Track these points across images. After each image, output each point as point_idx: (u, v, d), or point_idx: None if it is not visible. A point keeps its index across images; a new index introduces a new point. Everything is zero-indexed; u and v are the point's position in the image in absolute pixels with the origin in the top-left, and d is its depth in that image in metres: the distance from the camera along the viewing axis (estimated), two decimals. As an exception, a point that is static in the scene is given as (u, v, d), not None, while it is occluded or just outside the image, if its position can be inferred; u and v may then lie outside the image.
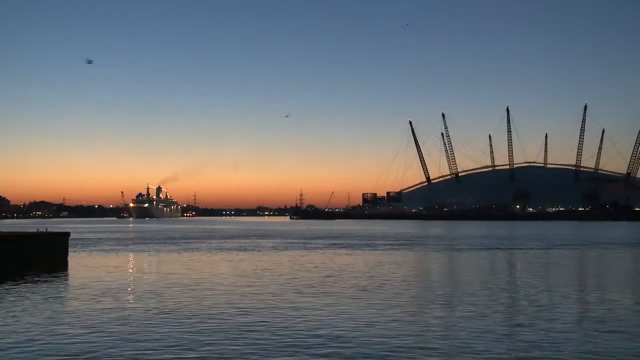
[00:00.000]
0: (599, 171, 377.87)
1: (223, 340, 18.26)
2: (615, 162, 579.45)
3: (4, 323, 20.94)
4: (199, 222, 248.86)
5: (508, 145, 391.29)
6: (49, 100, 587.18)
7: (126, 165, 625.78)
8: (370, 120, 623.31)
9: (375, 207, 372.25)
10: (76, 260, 48.41)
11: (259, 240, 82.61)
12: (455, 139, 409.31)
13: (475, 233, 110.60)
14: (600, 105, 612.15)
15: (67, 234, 51.98)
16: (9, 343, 17.87)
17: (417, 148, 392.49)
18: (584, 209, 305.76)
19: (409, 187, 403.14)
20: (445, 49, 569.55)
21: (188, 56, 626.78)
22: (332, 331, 19.52)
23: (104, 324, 20.73)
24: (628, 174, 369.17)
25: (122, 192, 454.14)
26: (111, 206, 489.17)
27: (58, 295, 28.16)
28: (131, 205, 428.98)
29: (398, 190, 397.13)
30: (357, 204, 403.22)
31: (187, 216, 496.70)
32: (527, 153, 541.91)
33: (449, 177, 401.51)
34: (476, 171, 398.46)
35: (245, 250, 61.99)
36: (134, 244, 75.39)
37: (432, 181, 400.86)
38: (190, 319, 21.68)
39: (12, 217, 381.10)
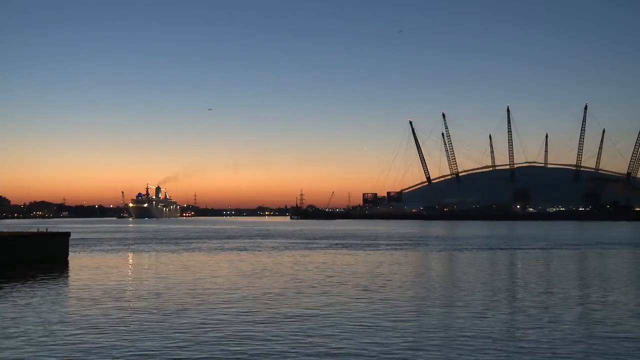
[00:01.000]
0: (599, 171, 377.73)
1: (224, 340, 18.24)
2: (616, 162, 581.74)
3: (4, 323, 20.92)
4: (199, 222, 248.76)
5: (508, 145, 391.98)
6: (49, 100, 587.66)
7: (126, 165, 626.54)
8: (370, 120, 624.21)
9: (375, 207, 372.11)
10: (76, 260, 48.40)
11: (261, 240, 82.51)
12: (455, 139, 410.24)
13: (477, 233, 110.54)
14: (600, 105, 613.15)
15: (68, 234, 51.97)
16: (9, 343, 17.85)
17: (417, 148, 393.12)
18: (584, 209, 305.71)
19: (409, 187, 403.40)
20: (445, 49, 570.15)
21: (188, 56, 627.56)
22: (333, 332, 19.49)
23: (104, 324, 20.71)
24: (628, 174, 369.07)
25: (122, 192, 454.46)
26: (111, 206, 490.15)
27: (58, 295, 28.14)
28: (131, 205, 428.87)
29: (398, 190, 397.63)
30: (357, 204, 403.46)
31: (186, 216, 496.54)
32: (527, 153, 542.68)
33: (449, 177, 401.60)
34: (476, 171, 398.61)
35: (248, 250, 61.91)
36: (135, 244, 75.35)
37: (432, 181, 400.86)
38: (191, 319, 21.66)
39: (13, 217, 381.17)
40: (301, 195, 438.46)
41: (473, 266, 43.35)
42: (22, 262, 42.27)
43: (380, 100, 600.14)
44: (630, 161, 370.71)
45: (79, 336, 18.76)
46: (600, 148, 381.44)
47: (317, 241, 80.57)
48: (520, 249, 63.65)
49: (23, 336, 18.79)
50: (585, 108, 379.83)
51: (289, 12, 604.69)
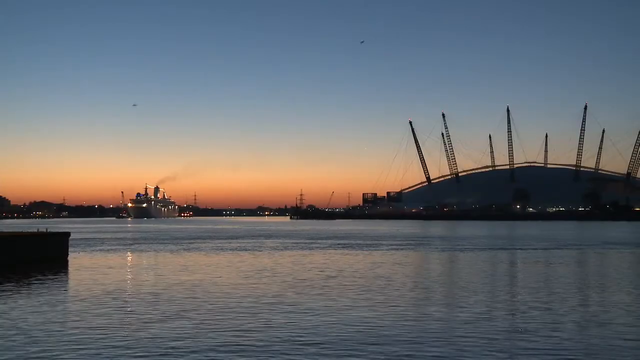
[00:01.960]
0: (599, 171, 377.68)
1: (224, 341, 18.20)
2: (616, 162, 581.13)
3: (4, 323, 20.88)
4: (198, 222, 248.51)
5: (508, 145, 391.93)
6: (48, 100, 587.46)
7: (126, 165, 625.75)
8: (370, 120, 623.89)
9: (375, 207, 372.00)
10: (76, 260, 48.37)
11: (264, 241, 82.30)
12: (455, 139, 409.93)
13: (478, 233, 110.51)
14: (600, 105, 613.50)
15: (67, 234, 51.92)
16: (9, 343, 17.80)
17: (417, 148, 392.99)
18: (584, 209, 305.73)
19: (409, 187, 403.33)
20: (445, 49, 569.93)
21: (188, 56, 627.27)
22: (334, 332, 19.46)
23: (104, 324, 20.66)
24: (628, 174, 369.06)
25: (122, 192, 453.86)
26: (111, 206, 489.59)
27: (58, 295, 28.09)
28: (129, 205, 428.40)
29: (398, 190, 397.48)
30: (357, 204, 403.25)
31: (184, 216, 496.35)
32: (527, 153, 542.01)
33: (449, 177, 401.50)
34: (476, 171, 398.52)
35: (252, 250, 61.87)
36: (135, 244, 75.32)
37: (432, 181, 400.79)
38: (191, 320, 21.61)
39: (12, 217, 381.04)
40: (301, 195, 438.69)
41: (476, 266, 43.31)
42: (22, 262, 42.23)
43: (380, 100, 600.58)
44: (630, 161, 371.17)
45: (78, 336, 18.71)
46: (600, 148, 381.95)
47: (319, 241, 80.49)
48: (523, 249, 63.56)
49: (22, 336, 18.74)
50: (585, 108, 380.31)
51: (289, 12, 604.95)
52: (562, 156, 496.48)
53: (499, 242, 77.89)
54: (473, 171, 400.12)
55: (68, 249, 50.68)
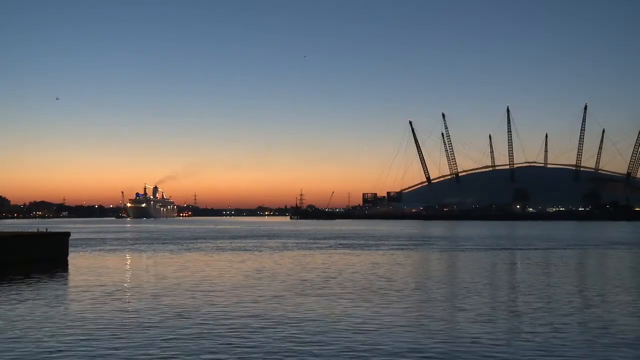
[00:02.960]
0: (599, 171, 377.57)
1: (225, 341, 18.14)
2: (615, 162, 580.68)
3: (4, 323, 20.83)
4: (198, 222, 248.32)
5: (508, 145, 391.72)
6: (48, 100, 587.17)
7: (126, 165, 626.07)
8: (370, 120, 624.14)
9: (375, 207, 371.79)
10: (76, 260, 48.32)
11: (267, 241, 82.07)
12: (455, 139, 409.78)
13: (478, 233, 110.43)
14: (600, 105, 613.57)
15: (67, 234, 51.87)
16: (8, 344, 17.75)
17: (417, 148, 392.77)
18: (584, 209, 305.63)
19: (409, 187, 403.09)
20: (445, 49, 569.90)
21: (188, 56, 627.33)
22: (337, 332, 19.42)
23: (104, 325, 20.60)
24: (628, 174, 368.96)
25: (122, 192, 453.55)
26: (111, 206, 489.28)
27: (58, 295, 28.04)
28: (129, 205, 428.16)
29: (398, 190, 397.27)
30: (357, 204, 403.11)
31: (183, 216, 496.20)
32: (527, 153, 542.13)
33: (449, 177, 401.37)
34: (476, 171, 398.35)
35: (253, 250, 61.83)
36: (136, 244, 75.27)
37: (432, 181, 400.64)
38: (191, 321, 21.55)
39: (12, 217, 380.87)
40: (301, 195, 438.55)
41: (478, 266, 43.25)
42: (22, 262, 42.18)
43: (380, 100, 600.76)
44: (630, 161, 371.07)
45: (78, 337, 18.65)
46: (600, 148, 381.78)
47: (323, 241, 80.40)
48: (526, 249, 63.48)
49: (22, 337, 18.68)
50: (585, 108, 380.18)
51: (289, 12, 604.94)
52: (562, 156, 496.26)
53: (503, 242, 77.75)
54: (473, 171, 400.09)
55: (68, 249, 50.63)
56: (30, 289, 29.85)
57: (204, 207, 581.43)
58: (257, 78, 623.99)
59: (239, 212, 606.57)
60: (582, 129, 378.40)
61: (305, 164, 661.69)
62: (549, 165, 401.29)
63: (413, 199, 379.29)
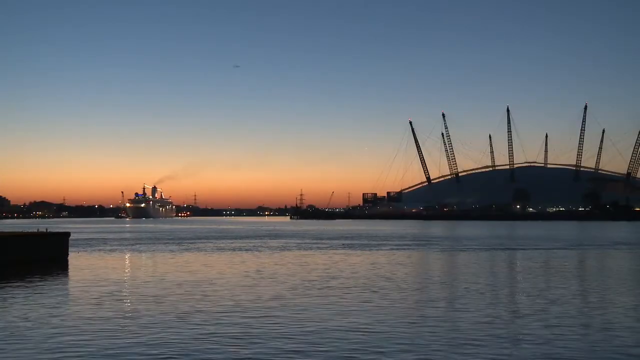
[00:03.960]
0: (599, 171, 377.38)
1: (225, 342, 18.07)
2: (615, 162, 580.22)
3: (3, 324, 20.75)
4: (198, 222, 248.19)
5: (508, 145, 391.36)
6: (48, 100, 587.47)
7: (126, 165, 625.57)
8: (370, 120, 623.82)
9: (375, 207, 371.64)
10: (76, 260, 48.25)
11: (270, 241, 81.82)
12: (455, 139, 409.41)
13: (479, 233, 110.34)
14: (600, 105, 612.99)
15: (67, 234, 51.79)
16: (8, 344, 17.67)
17: (417, 148, 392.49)
18: (584, 209, 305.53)
19: (409, 187, 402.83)
20: (445, 49, 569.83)
21: (188, 56, 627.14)
22: (335, 333, 19.35)
23: (104, 325, 20.53)
24: (628, 174, 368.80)
25: (122, 192, 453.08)
26: (111, 206, 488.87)
27: (58, 296, 27.94)
28: (128, 205, 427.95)
29: (398, 190, 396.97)
30: (357, 204, 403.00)
31: (181, 216, 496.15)
32: (527, 153, 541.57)
33: (449, 177, 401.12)
34: (476, 171, 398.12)
35: (256, 250, 61.77)
36: (136, 244, 75.19)
37: (432, 181, 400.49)
38: (191, 321, 21.47)
39: (12, 217, 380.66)
40: (301, 195, 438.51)
41: (481, 267, 43.19)
42: (22, 262, 42.11)
43: (380, 100, 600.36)
44: (630, 161, 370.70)
45: (78, 337, 18.57)
46: (600, 148, 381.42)
47: (326, 241, 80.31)
48: (529, 249, 63.42)
49: (22, 337, 18.60)
50: (585, 108, 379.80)
51: (289, 12, 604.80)
52: (562, 156, 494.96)
53: (503, 242, 77.70)
54: (473, 171, 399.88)
55: (68, 249, 50.56)
56: (30, 289, 29.76)
57: (204, 207, 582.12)
58: (257, 78, 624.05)
59: (239, 212, 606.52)
60: (582, 129, 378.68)
61: (305, 164, 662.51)
62: (549, 165, 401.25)
63: (413, 199, 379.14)
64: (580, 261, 49.20)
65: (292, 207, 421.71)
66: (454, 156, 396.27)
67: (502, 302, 26.02)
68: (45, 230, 50.40)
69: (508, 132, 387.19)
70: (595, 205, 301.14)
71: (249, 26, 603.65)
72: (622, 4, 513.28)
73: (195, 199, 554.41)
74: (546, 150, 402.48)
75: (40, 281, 33.38)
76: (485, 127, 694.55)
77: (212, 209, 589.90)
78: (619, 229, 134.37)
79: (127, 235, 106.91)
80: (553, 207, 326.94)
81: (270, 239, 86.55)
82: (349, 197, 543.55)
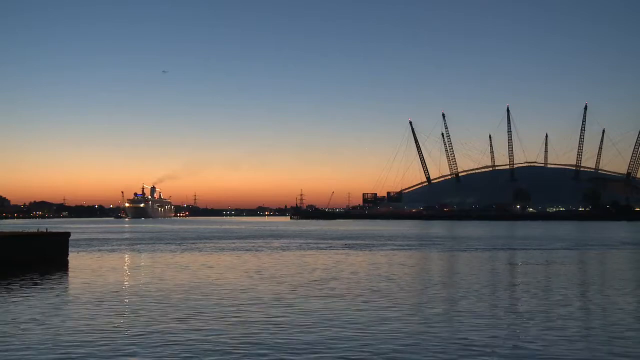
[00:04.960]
0: (599, 171, 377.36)
1: (225, 342, 18.01)
2: (615, 162, 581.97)
3: (2, 324, 20.68)
4: (197, 222, 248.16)
5: (508, 145, 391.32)
6: (48, 100, 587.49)
7: (126, 165, 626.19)
8: (370, 120, 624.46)
9: (375, 207, 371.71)
10: (76, 260, 48.19)
11: (273, 241, 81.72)
12: (455, 139, 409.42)
13: (480, 233, 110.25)
14: (600, 105, 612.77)
15: (67, 234, 51.70)
16: (8, 344, 17.60)
17: (417, 148, 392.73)
18: (584, 209, 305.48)
19: (409, 187, 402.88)
20: (445, 49, 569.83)
21: (188, 56, 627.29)
22: (336, 333, 19.29)
23: (103, 326, 20.46)
24: (628, 174, 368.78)
25: (122, 192, 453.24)
26: (111, 206, 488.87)
27: (58, 296, 27.87)
28: (127, 205, 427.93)
29: (398, 190, 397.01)
30: (357, 204, 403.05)
31: (180, 216, 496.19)
32: (527, 153, 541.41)
33: (449, 177, 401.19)
34: (476, 171, 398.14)
35: (257, 250, 61.72)
36: (136, 244, 75.13)
37: (432, 181, 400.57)
38: (192, 321, 21.41)
39: (12, 217, 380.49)
40: (301, 195, 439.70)
41: (481, 267, 43.10)
42: (22, 262, 42.04)
43: (380, 100, 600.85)
44: (630, 161, 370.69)
45: (78, 337, 18.50)
46: (600, 148, 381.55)
47: (329, 241, 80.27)
48: (529, 249, 63.37)
49: (21, 337, 18.54)
50: (585, 108, 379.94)
51: (289, 12, 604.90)
52: (562, 156, 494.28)
53: (504, 242, 77.65)
54: (473, 171, 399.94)
55: (68, 249, 50.49)
56: (30, 289, 29.69)
57: (204, 207, 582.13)
58: (257, 78, 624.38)
59: (239, 212, 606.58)
60: (582, 129, 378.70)
61: (305, 164, 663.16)
62: (549, 165, 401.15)
63: (413, 199, 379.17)
64: (581, 261, 49.12)
65: (292, 207, 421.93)
66: (454, 156, 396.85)
67: (503, 302, 25.94)
68: (45, 230, 50.33)
69: (508, 132, 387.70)
70: (595, 205, 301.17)
71: (249, 26, 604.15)
72: (622, 4, 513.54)
73: (195, 199, 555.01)
74: (546, 150, 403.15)
75: (40, 281, 33.31)
76: (485, 127, 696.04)
77: (212, 209, 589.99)
78: (619, 229, 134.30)
79: (127, 235, 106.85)
80: (553, 207, 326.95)
81: (275, 239, 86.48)
82: (349, 197, 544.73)
